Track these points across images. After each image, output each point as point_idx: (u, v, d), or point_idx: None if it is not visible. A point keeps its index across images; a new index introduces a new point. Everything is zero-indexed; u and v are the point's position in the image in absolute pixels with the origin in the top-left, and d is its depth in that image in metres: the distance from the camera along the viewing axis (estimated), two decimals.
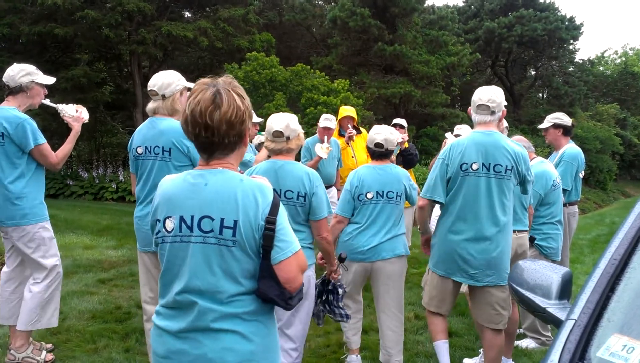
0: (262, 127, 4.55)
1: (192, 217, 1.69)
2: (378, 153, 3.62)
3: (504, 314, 3.32)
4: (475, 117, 3.30)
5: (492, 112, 3.26)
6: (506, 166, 3.21)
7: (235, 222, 1.66)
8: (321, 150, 5.02)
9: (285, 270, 1.70)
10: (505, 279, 3.26)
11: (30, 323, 3.54)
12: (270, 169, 3.01)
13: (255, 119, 4.92)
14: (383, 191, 3.53)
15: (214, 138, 1.69)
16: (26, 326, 3.53)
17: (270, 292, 1.69)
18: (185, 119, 1.71)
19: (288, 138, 3.02)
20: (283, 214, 1.74)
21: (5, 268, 3.73)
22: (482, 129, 3.28)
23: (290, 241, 1.73)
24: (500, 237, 3.24)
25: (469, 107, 3.40)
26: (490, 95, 3.24)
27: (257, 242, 1.68)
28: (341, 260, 3.33)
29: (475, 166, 3.20)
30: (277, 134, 3.01)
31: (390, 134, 3.61)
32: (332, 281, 3.32)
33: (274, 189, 1.83)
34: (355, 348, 3.80)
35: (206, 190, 1.70)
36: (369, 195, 3.52)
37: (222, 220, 1.67)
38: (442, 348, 3.48)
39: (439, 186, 3.27)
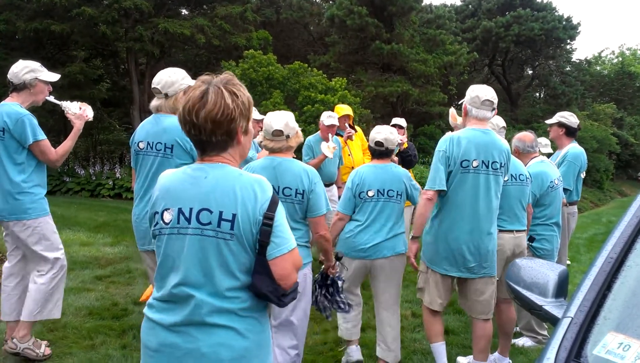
0: None
1: (191, 209, 1.69)
2: (378, 151, 3.67)
3: (492, 303, 3.47)
4: (477, 113, 3.34)
5: (493, 109, 3.36)
6: (500, 163, 3.33)
7: (234, 215, 1.67)
8: (327, 150, 5.07)
9: (280, 266, 1.70)
10: (495, 269, 3.43)
11: (34, 314, 3.55)
12: (268, 167, 3.01)
13: (257, 116, 4.84)
14: (384, 190, 3.57)
15: (202, 136, 1.70)
16: (30, 316, 3.55)
17: (263, 287, 1.69)
18: (179, 117, 1.75)
19: (288, 136, 3.02)
20: (281, 211, 1.75)
21: (6, 264, 3.74)
22: (479, 126, 3.35)
23: (286, 238, 1.73)
24: (494, 230, 3.38)
25: (464, 103, 3.42)
26: (492, 92, 3.36)
27: (254, 236, 1.69)
28: (338, 258, 3.35)
29: (475, 164, 3.27)
30: (277, 133, 3.00)
31: (391, 134, 3.66)
32: (331, 275, 3.34)
33: (272, 187, 1.83)
34: (355, 339, 3.84)
35: (206, 183, 1.71)
36: (370, 193, 3.56)
37: (220, 213, 1.67)
38: (440, 350, 3.52)
39: (443, 176, 3.28)
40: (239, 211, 1.67)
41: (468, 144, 3.27)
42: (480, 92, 3.33)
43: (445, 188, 3.29)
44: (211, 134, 1.69)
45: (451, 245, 3.32)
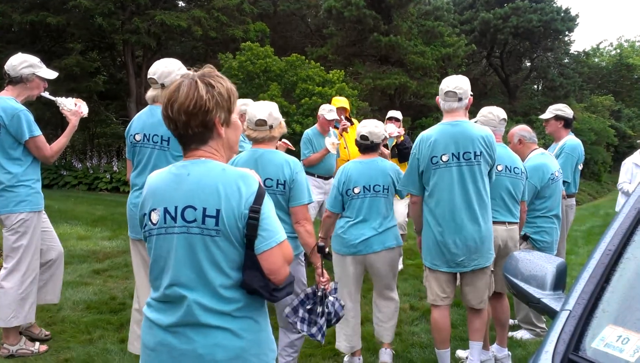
0: None
1: (176, 208, 1.69)
2: (364, 145, 3.68)
3: (486, 293, 3.49)
4: (444, 104, 3.37)
5: (460, 99, 3.33)
6: (475, 152, 3.29)
7: (218, 211, 1.65)
8: (332, 146, 5.08)
9: (269, 260, 1.67)
10: (489, 259, 3.41)
11: (7, 320, 3.49)
12: (250, 159, 3.00)
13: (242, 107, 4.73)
14: (370, 185, 3.58)
15: (178, 129, 1.70)
16: (5, 323, 3.49)
17: (254, 283, 1.67)
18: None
19: (271, 127, 3.00)
20: (268, 204, 1.72)
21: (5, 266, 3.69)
22: (450, 119, 3.36)
23: (274, 230, 1.70)
24: (480, 221, 3.31)
25: (437, 97, 3.46)
26: (457, 82, 3.34)
27: (241, 232, 1.66)
28: (320, 250, 2.81)
29: (445, 158, 3.28)
30: (260, 123, 2.98)
31: (376, 128, 3.65)
32: (325, 291, 2.88)
33: None
34: (357, 351, 3.76)
35: (188, 180, 1.69)
36: (356, 190, 3.58)
37: (204, 209, 1.66)
38: (445, 357, 3.51)
39: (412, 179, 3.42)
40: (222, 206, 1.65)
41: (436, 140, 3.29)
42: (444, 84, 3.36)
43: (414, 192, 3.43)
44: (186, 127, 1.68)
45: (437, 241, 3.34)
